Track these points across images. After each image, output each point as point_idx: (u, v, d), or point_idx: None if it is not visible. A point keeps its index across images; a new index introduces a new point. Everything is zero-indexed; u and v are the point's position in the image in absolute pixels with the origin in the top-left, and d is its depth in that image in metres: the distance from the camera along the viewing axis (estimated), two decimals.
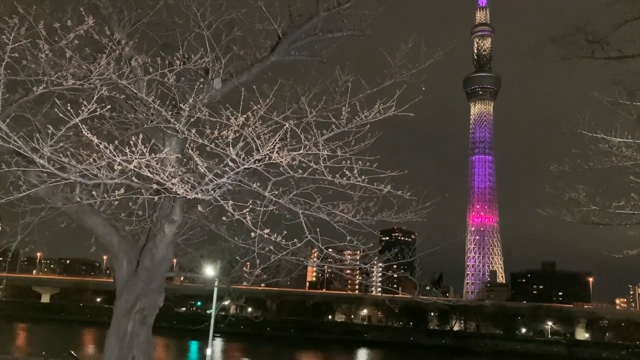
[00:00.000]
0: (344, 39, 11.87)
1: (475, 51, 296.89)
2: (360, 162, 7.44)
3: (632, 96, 10.63)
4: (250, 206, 6.79)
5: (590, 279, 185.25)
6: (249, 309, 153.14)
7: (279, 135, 6.81)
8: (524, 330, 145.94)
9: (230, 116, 7.56)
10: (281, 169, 7.49)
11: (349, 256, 11.43)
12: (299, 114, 9.14)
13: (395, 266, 14.13)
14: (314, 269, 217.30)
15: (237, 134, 7.46)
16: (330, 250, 9.57)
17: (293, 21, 11.38)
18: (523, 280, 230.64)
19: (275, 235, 6.69)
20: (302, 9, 11.36)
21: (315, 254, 14.07)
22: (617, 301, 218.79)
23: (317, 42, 11.81)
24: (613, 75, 11.41)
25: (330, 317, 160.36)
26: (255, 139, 6.93)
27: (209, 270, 18.71)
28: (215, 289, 26.30)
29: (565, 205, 11.26)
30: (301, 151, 7.24)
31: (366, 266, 10.95)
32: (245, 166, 6.78)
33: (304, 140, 7.93)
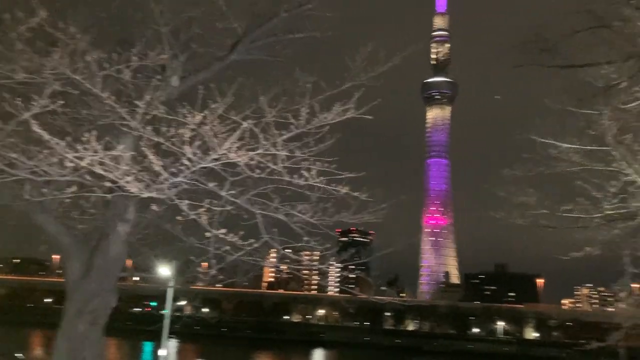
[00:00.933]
0: (305, 40, 11.89)
1: (433, 56, 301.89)
2: (318, 163, 7.48)
3: (580, 104, 11.03)
4: (207, 206, 6.73)
5: (540, 281, 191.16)
6: (205, 310, 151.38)
7: (236, 135, 6.76)
8: (476, 330, 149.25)
9: (188, 114, 7.49)
10: (239, 168, 7.45)
11: (306, 257, 11.45)
12: (258, 113, 9.11)
13: (352, 267, 14.17)
14: (271, 269, 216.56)
15: (194, 133, 7.39)
16: (288, 251, 9.58)
17: (254, 21, 11.33)
18: (476, 281, 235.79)
19: (231, 235, 6.66)
20: (263, 9, 11.32)
21: (273, 254, 14.03)
22: (565, 302, 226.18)
23: (277, 42, 11.79)
24: (563, 83, 11.82)
25: (287, 317, 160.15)
26: (213, 138, 6.88)
27: (164, 271, 18.42)
28: (170, 289, 25.91)
29: (516, 208, 11.58)
30: (259, 151, 7.22)
31: (323, 266, 10.99)
32: (202, 165, 6.72)
33: (263, 141, 7.93)
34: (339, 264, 12.10)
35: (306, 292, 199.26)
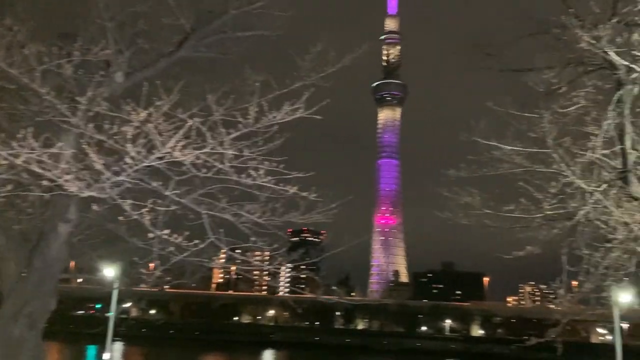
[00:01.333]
0: (254, 38, 11.79)
1: (384, 58, 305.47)
2: (267, 162, 7.42)
3: (523, 107, 11.39)
4: (150, 206, 6.56)
5: (486, 279, 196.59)
6: (153, 312, 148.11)
7: (181, 133, 6.62)
8: (425, 328, 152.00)
9: (132, 111, 7.29)
10: (185, 167, 7.31)
11: (256, 257, 11.36)
12: (205, 112, 8.98)
13: (302, 267, 14.11)
14: (221, 270, 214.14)
15: (138, 130, 7.20)
16: (238, 251, 9.47)
17: (202, 18, 11.15)
18: (424, 280, 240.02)
19: (175, 236, 6.51)
20: (212, 5, 11.17)
21: (222, 255, 13.86)
22: (509, 299, 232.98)
23: (226, 40, 11.65)
24: (507, 87, 12.19)
25: (236, 318, 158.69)
26: (157, 136, 6.71)
27: (108, 272, 17.89)
28: (115, 291, 25.18)
29: (461, 208, 11.83)
30: (205, 150, 7.10)
31: (271, 267, 10.92)
32: (145, 164, 6.54)
33: (210, 139, 7.80)
34: (289, 264, 12.06)
35: (256, 293, 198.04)
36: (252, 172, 7.24)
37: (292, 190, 7.73)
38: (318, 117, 8.23)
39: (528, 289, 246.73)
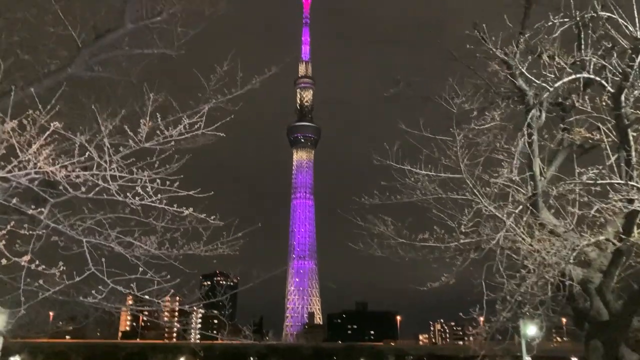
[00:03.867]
0: (155, 57, 10.93)
1: (298, 102, 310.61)
2: (158, 181, 6.52)
3: (435, 133, 11.28)
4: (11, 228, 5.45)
5: (398, 317, 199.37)
6: None
7: (46, 138, 5.62)
8: None
9: (3, 126, 6.22)
10: (61, 187, 6.26)
11: (166, 303, 10.32)
12: (95, 131, 8.00)
13: (214, 311, 13.04)
14: (128, 316, 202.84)
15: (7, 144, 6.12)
16: (145, 295, 8.43)
17: (96, 31, 10.17)
18: (339, 321, 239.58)
19: (35, 265, 5.42)
20: (108, 18, 10.23)
21: (130, 300, 12.66)
22: (420, 337, 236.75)
23: (123, 57, 10.69)
24: (420, 116, 12.10)
25: None
26: (23, 146, 5.67)
27: None
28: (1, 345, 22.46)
29: (376, 238, 11.42)
30: (77, 159, 6.11)
31: (178, 306, 9.88)
32: (1, 174, 5.46)
33: (97, 158, 6.83)
34: (201, 310, 11.07)
35: (166, 341, 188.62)
36: (140, 191, 6.30)
37: (187, 211, 6.83)
38: (221, 134, 7.48)
39: (438, 326, 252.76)
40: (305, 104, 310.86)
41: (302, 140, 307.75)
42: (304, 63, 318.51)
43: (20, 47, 9.16)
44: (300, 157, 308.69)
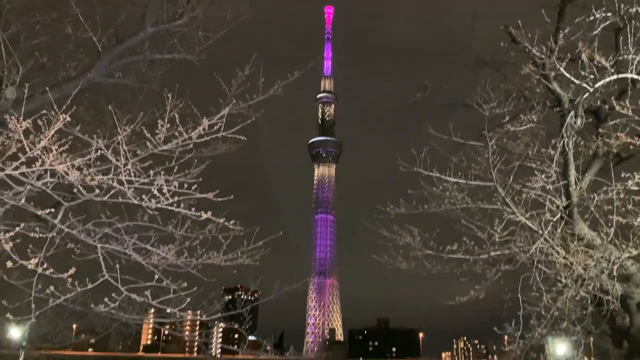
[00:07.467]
0: (175, 63, 10.73)
1: (320, 116, 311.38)
2: (176, 184, 6.24)
3: (463, 146, 10.88)
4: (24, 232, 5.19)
5: (421, 335, 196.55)
6: None
7: (56, 129, 5.36)
8: None
9: (17, 125, 6.00)
10: (75, 190, 6.00)
11: (188, 315, 10.08)
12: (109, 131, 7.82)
13: (236, 325, 12.66)
14: (149, 330, 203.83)
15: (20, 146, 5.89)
16: (164, 306, 8.19)
17: (116, 37, 10.01)
18: (360, 337, 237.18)
19: (48, 270, 5.15)
20: (129, 23, 10.07)
21: (151, 313, 12.45)
22: (443, 355, 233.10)
23: (143, 63, 10.51)
24: (444, 125, 11.69)
25: None
26: (42, 151, 5.42)
27: (15, 332, 15.70)
28: (22, 356, 22.41)
29: (400, 250, 10.96)
30: (90, 157, 5.84)
31: (199, 318, 9.52)
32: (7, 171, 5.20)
33: (113, 160, 6.58)
34: (222, 324, 10.77)
35: (187, 354, 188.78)
36: (156, 192, 6.02)
37: (205, 215, 6.51)
38: (242, 137, 7.18)
39: (461, 344, 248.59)
40: (327, 118, 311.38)
41: (324, 155, 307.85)
42: (326, 78, 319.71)
43: (39, 51, 9.03)
44: (322, 172, 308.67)
